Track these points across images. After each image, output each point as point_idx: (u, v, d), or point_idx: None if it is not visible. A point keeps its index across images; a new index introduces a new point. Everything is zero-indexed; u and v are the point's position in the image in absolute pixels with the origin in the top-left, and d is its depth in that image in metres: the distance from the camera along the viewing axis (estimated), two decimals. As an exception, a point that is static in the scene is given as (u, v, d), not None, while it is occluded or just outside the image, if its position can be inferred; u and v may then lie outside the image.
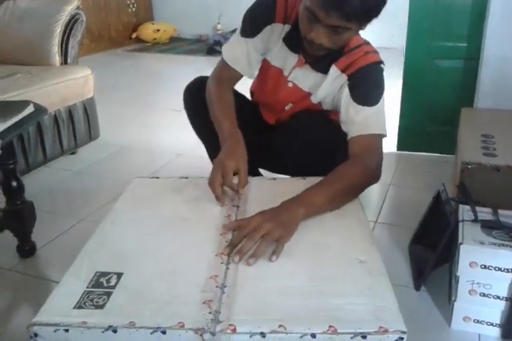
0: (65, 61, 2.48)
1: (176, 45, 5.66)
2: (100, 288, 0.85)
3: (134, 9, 5.67)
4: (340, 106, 1.33)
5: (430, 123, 2.28)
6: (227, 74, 1.44)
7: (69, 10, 2.43)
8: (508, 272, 1.14)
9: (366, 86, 1.31)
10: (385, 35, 4.62)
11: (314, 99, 1.41)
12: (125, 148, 2.56)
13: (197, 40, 5.79)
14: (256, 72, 1.49)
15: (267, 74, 1.46)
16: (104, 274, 0.89)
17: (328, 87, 1.37)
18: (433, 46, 2.16)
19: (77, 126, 2.40)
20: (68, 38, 2.45)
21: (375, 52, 1.34)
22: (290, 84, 1.42)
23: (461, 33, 2.12)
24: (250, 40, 1.39)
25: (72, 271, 0.91)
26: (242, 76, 1.45)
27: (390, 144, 2.37)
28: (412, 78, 2.22)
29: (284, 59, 1.40)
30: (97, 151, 2.51)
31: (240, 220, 1.05)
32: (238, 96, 1.51)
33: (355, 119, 1.28)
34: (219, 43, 4.94)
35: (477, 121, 1.96)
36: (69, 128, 2.35)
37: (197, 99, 1.46)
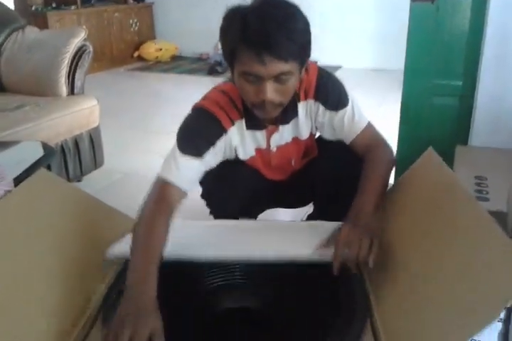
0: (71, 91, 2.54)
1: (177, 63, 5.75)
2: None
3: (136, 28, 5.76)
4: (323, 123, 1.39)
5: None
6: (169, 194, 1.24)
7: (76, 42, 2.51)
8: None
9: (332, 93, 1.36)
10: (382, 56, 4.70)
11: (304, 137, 1.45)
12: (129, 175, 2.63)
13: (198, 58, 5.88)
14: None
15: (253, 163, 1.46)
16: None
17: (305, 119, 1.40)
18: (430, 84, 2.22)
19: (83, 155, 2.47)
20: (75, 69, 2.52)
21: (307, 65, 1.27)
22: (274, 149, 1.44)
23: (457, 71, 2.19)
24: (200, 158, 1.29)
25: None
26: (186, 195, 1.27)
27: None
28: (409, 116, 2.27)
29: (255, 140, 1.41)
30: (102, 179, 2.58)
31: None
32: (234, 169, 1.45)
33: (344, 124, 1.37)
34: (220, 64, 5.03)
35: (471, 160, 2.01)
36: (75, 157, 2.42)
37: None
